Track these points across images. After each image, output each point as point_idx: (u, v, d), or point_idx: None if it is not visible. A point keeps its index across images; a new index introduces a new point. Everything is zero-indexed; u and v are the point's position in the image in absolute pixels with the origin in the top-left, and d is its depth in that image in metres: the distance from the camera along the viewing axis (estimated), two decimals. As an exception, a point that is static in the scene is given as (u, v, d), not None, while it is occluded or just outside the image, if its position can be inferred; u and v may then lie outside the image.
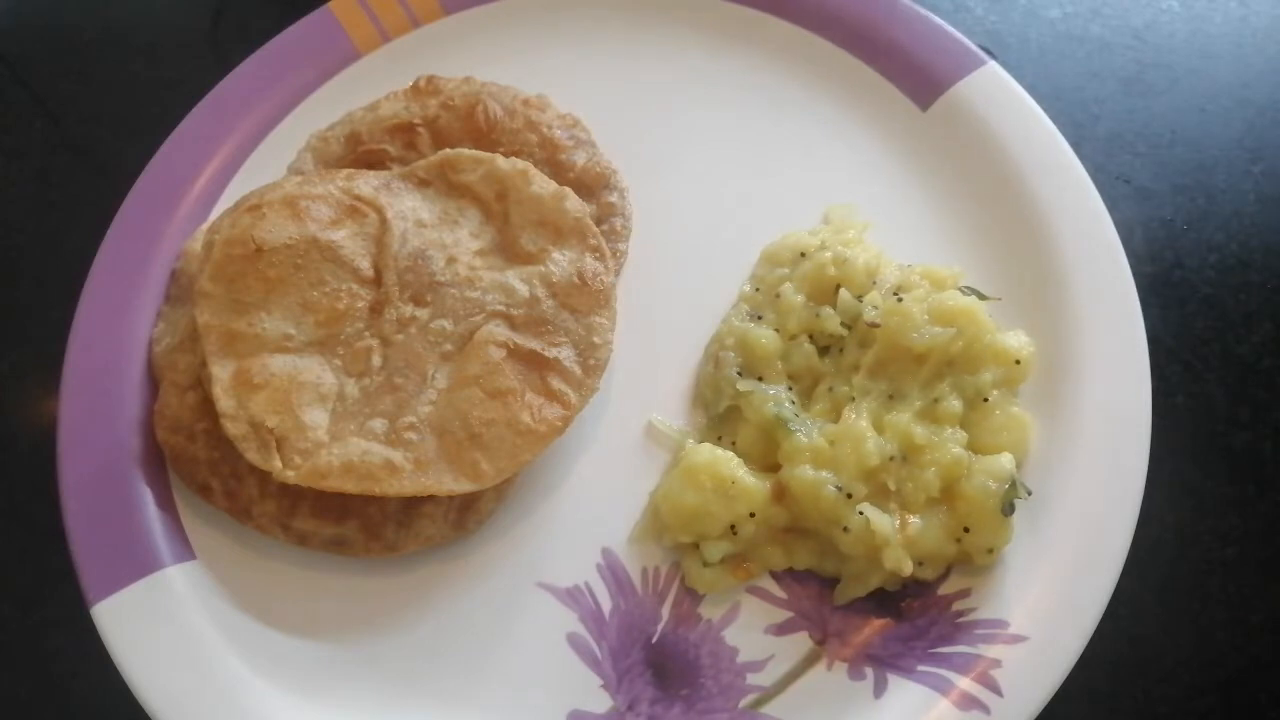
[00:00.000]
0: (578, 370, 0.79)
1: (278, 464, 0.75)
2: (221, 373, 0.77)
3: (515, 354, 0.79)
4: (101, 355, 0.86)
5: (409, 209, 0.83)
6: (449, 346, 0.79)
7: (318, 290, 0.79)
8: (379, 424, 0.77)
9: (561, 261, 0.82)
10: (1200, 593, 0.83)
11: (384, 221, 0.82)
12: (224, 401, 0.76)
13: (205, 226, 0.90)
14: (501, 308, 0.80)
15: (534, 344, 0.79)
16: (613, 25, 1.03)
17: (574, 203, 0.84)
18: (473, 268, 0.82)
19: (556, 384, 0.78)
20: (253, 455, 0.75)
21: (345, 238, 0.81)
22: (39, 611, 0.86)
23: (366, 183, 0.84)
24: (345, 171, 0.85)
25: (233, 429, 0.76)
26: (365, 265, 0.81)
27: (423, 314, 0.80)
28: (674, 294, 0.91)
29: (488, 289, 0.81)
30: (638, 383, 0.87)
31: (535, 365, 0.79)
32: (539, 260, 0.82)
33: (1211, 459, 0.87)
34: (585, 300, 0.81)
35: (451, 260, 0.82)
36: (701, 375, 0.86)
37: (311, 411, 0.77)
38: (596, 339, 0.80)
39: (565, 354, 0.79)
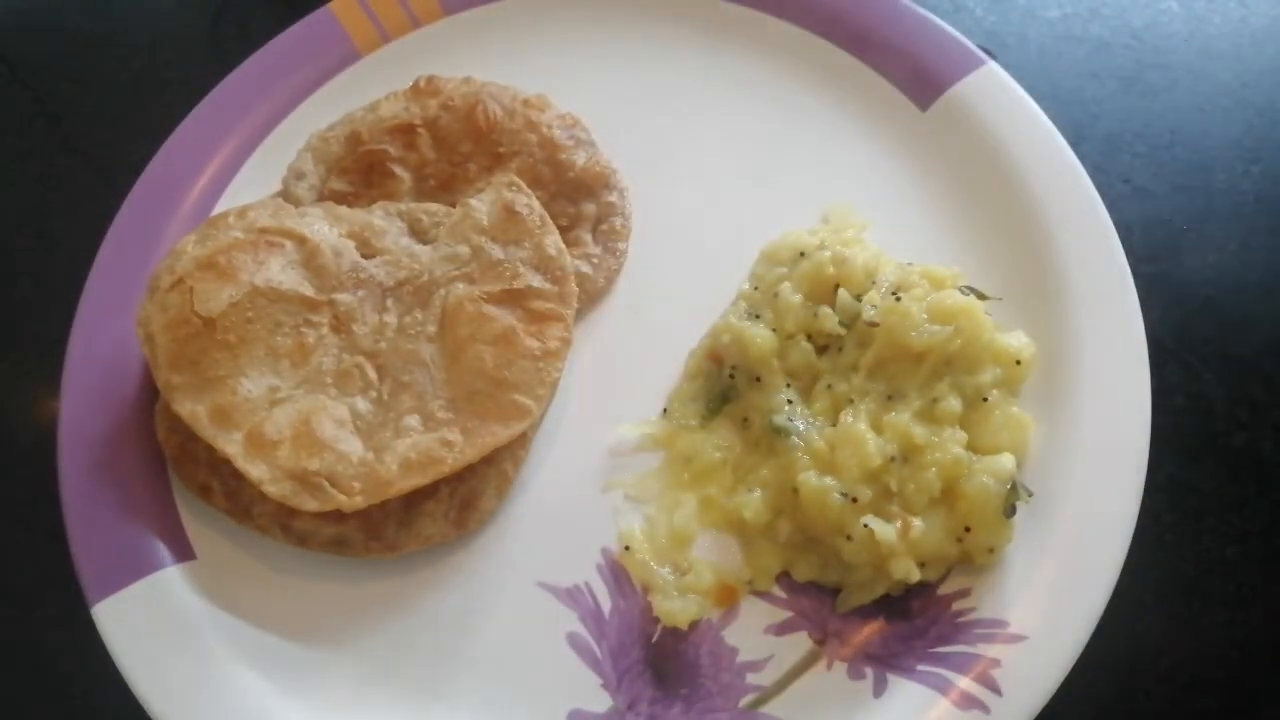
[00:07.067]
0: (551, 286, 0.82)
1: (342, 497, 0.75)
2: (232, 447, 0.76)
3: (490, 300, 0.81)
4: (102, 355, 0.86)
5: (323, 229, 0.83)
6: (431, 328, 0.81)
7: (279, 335, 0.79)
8: (412, 419, 0.78)
9: (481, 205, 0.84)
10: (1199, 593, 0.83)
11: (307, 242, 0.82)
12: (254, 471, 0.75)
13: (193, 236, 0.87)
14: (455, 272, 0.82)
15: (500, 285, 0.81)
16: (613, 25, 1.03)
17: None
18: (411, 254, 0.83)
19: (540, 305, 0.81)
20: (310, 504, 0.75)
21: (278, 273, 0.80)
22: (39, 611, 0.86)
23: (260, 215, 0.84)
24: (232, 211, 0.85)
25: (276, 490, 0.75)
26: (309, 291, 0.81)
27: (391, 318, 0.81)
28: (674, 293, 0.91)
29: (434, 264, 0.83)
30: (637, 382, 0.87)
31: (513, 300, 0.81)
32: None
33: (1210, 459, 0.87)
34: (521, 228, 0.84)
35: (389, 260, 0.83)
36: (690, 366, 0.87)
37: (342, 440, 0.77)
38: (551, 251, 0.83)
39: (533, 279, 0.82)
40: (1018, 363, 0.80)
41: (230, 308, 0.78)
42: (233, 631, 0.78)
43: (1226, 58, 1.06)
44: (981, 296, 0.83)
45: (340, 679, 0.77)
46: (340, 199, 0.89)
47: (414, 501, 0.79)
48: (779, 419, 0.80)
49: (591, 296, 0.90)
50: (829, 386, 0.81)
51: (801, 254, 0.86)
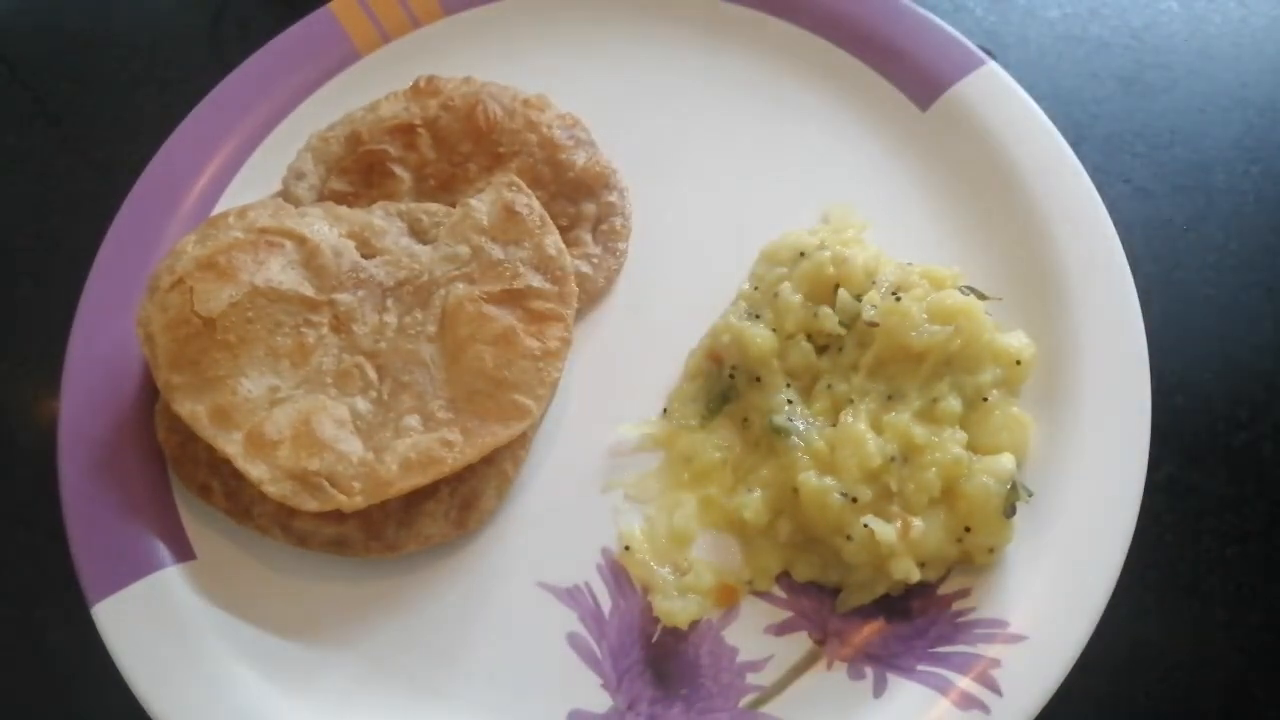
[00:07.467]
0: (551, 286, 0.83)
1: (342, 497, 0.75)
2: (232, 447, 0.76)
3: (491, 300, 0.81)
4: (102, 355, 0.86)
5: (323, 229, 0.83)
6: (431, 328, 0.81)
7: (279, 335, 0.79)
8: (412, 419, 0.78)
9: (481, 205, 0.85)
10: (1199, 593, 0.83)
11: (307, 242, 0.82)
12: (254, 470, 0.75)
13: (193, 236, 0.86)
14: (455, 272, 0.82)
15: (500, 285, 0.82)
16: (613, 25, 1.03)
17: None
18: (411, 254, 0.83)
19: (540, 305, 0.81)
20: (310, 504, 0.75)
21: (278, 273, 0.81)
22: (39, 611, 0.86)
23: (260, 215, 0.84)
24: (233, 211, 0.85)
25: (277, 490, 0.75)
26: (309, 291, 0.81)
27: (392, 318, 0.81)
28: (674, 293, 0.91)
29: (434, 264, 0.83)
30: (637, 382, 0.87)
31: (513, 300, 0.81)
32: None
33: (1210, 459, 0.87)
34: (521, 228, 0.84)
35: (389, 260, 0.83)
36: (690, 366, 0.87)
37: (342, 440, 0.77)
38: (551, 251, 0.84)
39: (533, 279, 0.82)
40: (1018, 363, 0.80)
41: (230, 308, 0.79)
42: (233, 631, 0.78)
43: (1226, 58, 1.06)
44: (981, 296, 0.83)
45: (340, 678, 0.77)
46: (340, 199, 0.89)
47: (414, 501, 0.79)
48: (779, 419, 0.80)
49: (591, 296, 0.90)
50: (829, 386, 0.81)
51: (801, 254, 0.86)
